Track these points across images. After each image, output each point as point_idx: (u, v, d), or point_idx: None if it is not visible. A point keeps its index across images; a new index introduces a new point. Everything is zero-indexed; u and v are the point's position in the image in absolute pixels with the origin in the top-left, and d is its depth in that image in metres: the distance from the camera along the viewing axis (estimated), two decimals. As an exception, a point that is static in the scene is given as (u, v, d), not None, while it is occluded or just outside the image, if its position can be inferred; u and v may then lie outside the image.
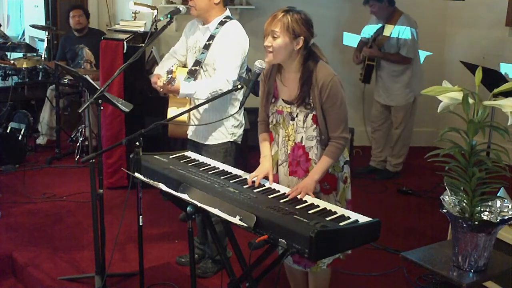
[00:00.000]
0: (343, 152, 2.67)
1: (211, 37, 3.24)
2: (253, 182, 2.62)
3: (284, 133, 2.70)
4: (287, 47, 2.52)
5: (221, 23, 3.25)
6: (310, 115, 2.61)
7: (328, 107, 2.55)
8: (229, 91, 2.88)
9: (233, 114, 3.24)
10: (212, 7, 3.22)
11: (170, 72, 3.01)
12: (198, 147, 3.35)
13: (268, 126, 2.79)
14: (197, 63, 3.27)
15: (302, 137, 2.65)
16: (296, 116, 2.64)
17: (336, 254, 2.60)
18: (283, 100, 2.68)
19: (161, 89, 3.15)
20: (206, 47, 3.24)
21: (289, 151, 2.70)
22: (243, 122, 3.42)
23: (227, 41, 3.19)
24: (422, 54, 5.46)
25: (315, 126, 2.61)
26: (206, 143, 3.33)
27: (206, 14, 3.25)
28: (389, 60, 5.18)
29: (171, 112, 3.31)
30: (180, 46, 3.48)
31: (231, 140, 3.34)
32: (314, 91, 2.56)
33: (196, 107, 3.01)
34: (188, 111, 3.19)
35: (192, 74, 3.26)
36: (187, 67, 3.37)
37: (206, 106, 3.24)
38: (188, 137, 3.43)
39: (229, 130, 3.32)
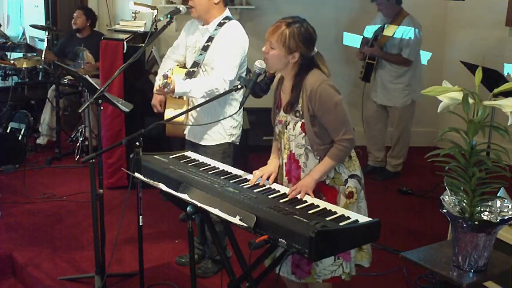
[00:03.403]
0: (350, 166, 2.65)
1: (210, 39, 3.24)
2: (257, 183, 2.62)
3: (283, 141, 2.72)
4: (281, 59, 2.54)
5: (220, 25, 3.24)
6: (299, 123, 2.61)
7: (322, 114, 2.54)
8: (228, 91, 2.87)
9: (233, 115, 3.24)
10: (212, 6, 3.22)
11: (165, 77, 3.02)
12: (196, 148, 3.34)
13: None
14: (195, 64, 3.26)
15: (293, 145, 2.66)
16: (288, 124, 2.66)
17: (335, 269, 2.60)
18: (283, 110, 2.69)
19: (158, 93, 3.15)
20: (205, 48, 3.24)
21: (285, 160, 2.72)
22: (242, 123, 3.41)
23: (226, 41, 3.19)
24: (423, 55, 5.46)
25: (303, 134, 2.61)
26: (203, 143, 3.33)
27: (206, 14, 3.24)
28: (389, 60, 5.18)
29: (168, 113, 3.31)
30: (180, 45, 3.48)
31: (229, 141, 3.33)
32: (303, 98, 2.56)
33: (195, 107, 3.00)
34: (188, 111, 3.19)
35: (190, 75, 3.25)
36: (186, 68, 3.37)
37: (203, 105, 3.24)
38: (186, 137, 3.43)
39: (227, 131, 3.31)
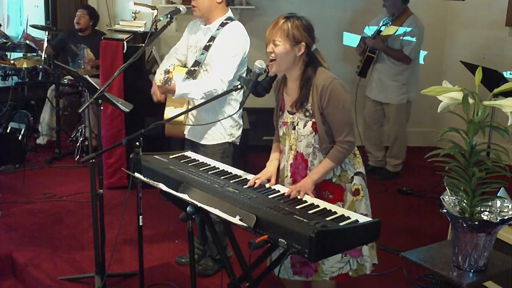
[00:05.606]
0: (355, 163, 2.66)
1: (212, 39, 3.24)
2: (254, 183, 2.61)
3: (289, 143, 2.70)
4: (289, 53, 2.52)
5: (222, 25, 3.25)
6: (310, 123, 2.60)
7: (330, 111, 2.54)
8: (228, 92, 2.87)
9: (232, 115, 3.24)
10: (215, 6, 3.23)
11: (167, 72, 3.02)
12: (196, 147, 3.34)
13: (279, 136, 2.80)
14: (197, 63, 3.27)
15: (302, 145, 2.65)
16: (297, 124, 2.64)
17: (342, 266, 2.61)
18: (288, 111, 2.68)
19: (159, 90, 3.15)
20: (206, 48, 3.25)
21: (291, 161, 2.70)
22: (241, 123, 3.41)
23: (226, 41, 3.19)
24: (422, 54, 5.45)
25: (314, 133, 2.61)
26: (203, 143, 3.33)
27: (209, 14, 3.25)
28: (390, 55, 5.15)
29: (168, 112, 3.31)
30: (182, 45, 3.48)
31: (229, 140, 3.33)
32: (313, 96, 2.56)
33: (195, 107, 3.00)
34: (188, 111, 3.19)
35: (191, 74, 3.26)
36: (187, 67, 3.37)
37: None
38: (186, 136, 3.43)
39: (227, 131, 3.31)
